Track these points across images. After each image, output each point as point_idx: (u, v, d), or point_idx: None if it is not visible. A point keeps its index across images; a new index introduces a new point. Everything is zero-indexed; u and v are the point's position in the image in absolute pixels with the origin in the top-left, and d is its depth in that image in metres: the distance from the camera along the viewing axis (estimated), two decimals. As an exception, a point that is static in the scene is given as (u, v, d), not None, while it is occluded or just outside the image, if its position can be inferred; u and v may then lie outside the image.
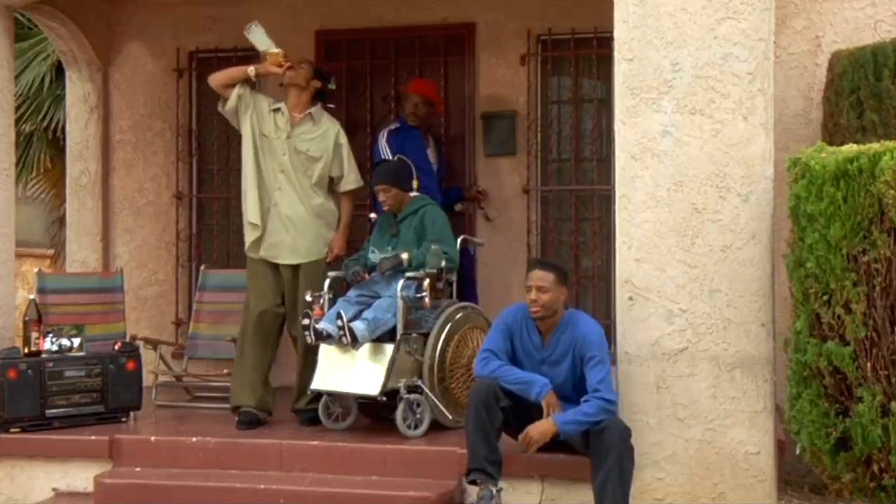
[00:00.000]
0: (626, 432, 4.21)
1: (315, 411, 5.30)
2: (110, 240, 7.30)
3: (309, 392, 5.24)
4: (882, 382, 3.75)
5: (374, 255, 5.44)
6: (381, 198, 5.46)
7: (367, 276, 5.29)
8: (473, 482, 4.37)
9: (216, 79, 5.52)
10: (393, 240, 5.46)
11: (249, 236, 5.43)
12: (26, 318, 5.38)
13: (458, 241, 5.56)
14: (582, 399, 4.28)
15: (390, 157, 5.99)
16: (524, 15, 6.67)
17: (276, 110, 5.45)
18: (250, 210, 5.39)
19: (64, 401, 5.29)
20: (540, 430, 4.26)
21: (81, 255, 7.26)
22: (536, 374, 4.39)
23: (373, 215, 5.75)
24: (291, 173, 5.37)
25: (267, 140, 5.39)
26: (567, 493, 4.52)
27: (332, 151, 5.48)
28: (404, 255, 5.17)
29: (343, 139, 5.54)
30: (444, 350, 5.12)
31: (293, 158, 5.37)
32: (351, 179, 5.55)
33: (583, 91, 6.73)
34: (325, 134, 5.47)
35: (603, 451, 4.14)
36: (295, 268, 5.38)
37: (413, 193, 5.57)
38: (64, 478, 5.06)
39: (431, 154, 6.33)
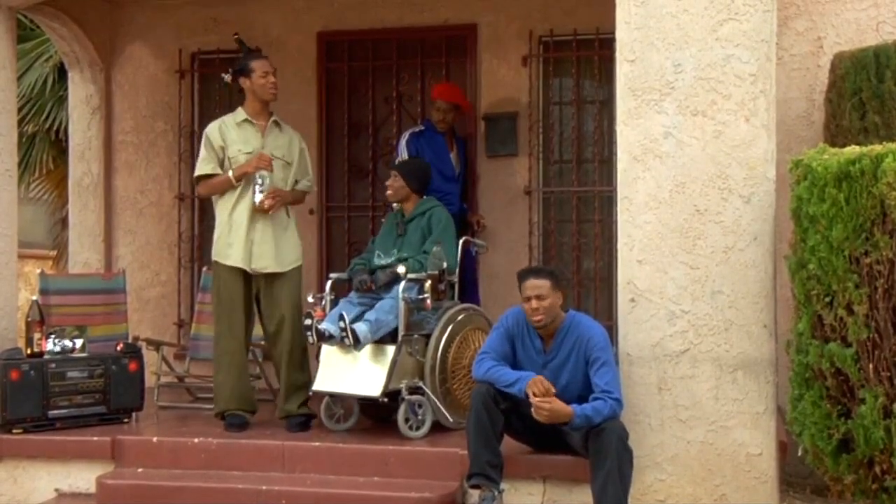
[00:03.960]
0: (624, 434, 4.20)
1: (305, 417, 5.29)
2: (112, 241, 7.31)
3: (310, 393, 5.23)
4: (884, 384, 3.75)
5: (380, 259, 5.45)
6: (387, 182, 5.57)
7: (373, 285, 5.29)
8: (475, 486, 4.37)
9: (203, 195, 5.60)
10: (399, 240, 5.48)
11: (227, 250, 5.33)
12: (29, 319, 5.39)
13: (461, 242, 5.58)
14: (592, 397, 4.27)
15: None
16: (526, 16, 6.68)
17: (245, 121, 5.38)
18: (237, 228, 5.31)
19: (66, 402, 5.30)
20: (562, 410, 4.19)
21: (84, 256, 7.28)
22: (523, 372, 4.38)
23: (396, 204, 5.72)
24: (269, 182, 5.30)
25: (245, 157, 5.31)
26: (569, 494, 4.52)
27: (298, 157, 5.47)
28: (401, 269, 5.17)
29: (304, 144, 5.55)
30: (445, 351, 5.12)
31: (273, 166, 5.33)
32: (311, 182, 5.57)
33: (584, 92, 6.73)
34: (291, 140, 5.46)
35: (602, 452, 4.13)
36: (271, 276, 5.32)
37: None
38: (66, 478, 5.07)
39: (454, 157, 6.35)
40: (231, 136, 5.36)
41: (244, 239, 5.29)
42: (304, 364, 5.31)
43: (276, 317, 5.31)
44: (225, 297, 5.35)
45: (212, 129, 5.42)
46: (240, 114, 5.43)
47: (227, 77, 5.49)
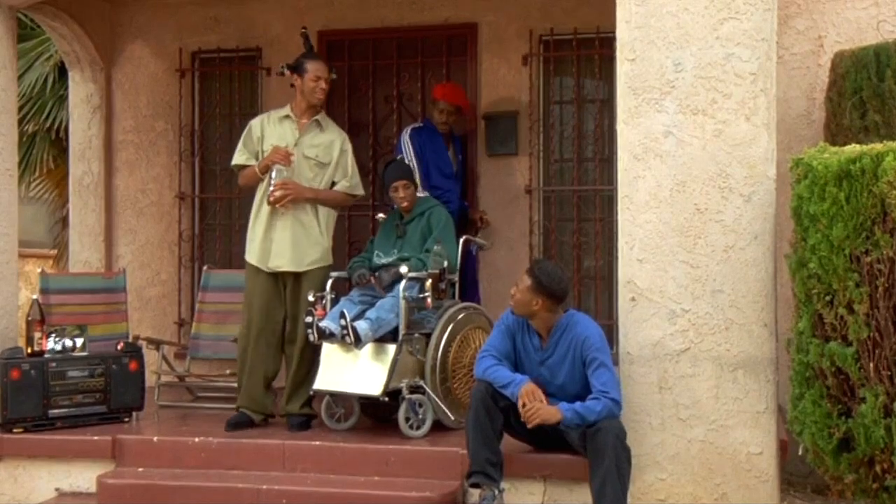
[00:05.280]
0: (621, 433, 4.20)
1: (306, 417, 5.29)
2: (113, 240, 7.31)
3: (311, 392, 5.23)
4: (885, 383, 3.74)
5: (380, 259, 5.44)
6: (400, 194, 5.47)
7: (372, 279, 5.29)
8: (475, 485, 4.37)
9: (241, 185, 5.63)
10: (398, 241, 5.47)
11: (249, 246, 5.39)
12: (29, 319, 5.39)
13: (461, 241, 5.57)
14: (589, 397, 4.26)
15: (412, 157, 6.02)
16: (526, 15, 6.68)
17: (286, 118, 5.42)
18: (258, 226, 5.35)
19: (67, 401, 5.30)
20: (548, 410, 4.22)
21: (84, 255, 7.28)
22: (519, 374, 4.38)
23: (381, 215, 5.74)
24: (301, 181, 5.31)
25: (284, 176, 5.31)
26: (569, 493, 4.52)
27: (338, 158, 5.43)
28: (403, 269, 5.15)
29: (348, 146, 5.50)
30: (446, 350, 5.12)
31: (301, 165, 5.32)
32: (353, 184, 5.49)
33: (585, 91, 6.73)
34: (332, 141, 5.44)
35: (599, 452, 4.13)
36: (297, 275, 5.32)
37: (420, 195, 5.61)
38: (67, 478, 5.07)
39: (451, 155, 6.35)
40: (269, 131, 5.40)
41: (262, 237, 5.32)
42: (312, 366, 5.26)
43: (292, 316, 5.31)
44: (247, 294, 5.40)
45: (255, 121, 5.50)
46: (285, 109, 5.47)
47: (285, 71, 5.50)
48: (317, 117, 5.44)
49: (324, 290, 5.25)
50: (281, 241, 5.30)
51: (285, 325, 5.38)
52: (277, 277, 5.34)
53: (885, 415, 3.74)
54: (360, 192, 5.60)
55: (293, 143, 5.36)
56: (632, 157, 4.46)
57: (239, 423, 5.24)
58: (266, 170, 5.30)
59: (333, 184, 5.45)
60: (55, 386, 5.27)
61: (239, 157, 5.46)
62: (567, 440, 4.41)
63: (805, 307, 3.96)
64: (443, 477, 4.65)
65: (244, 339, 5.36)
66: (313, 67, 5.38)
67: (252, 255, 5.36)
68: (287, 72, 5.47)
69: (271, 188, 5.25)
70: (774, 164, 4.35)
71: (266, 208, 5.32)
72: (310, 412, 5.32)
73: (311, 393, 5.22)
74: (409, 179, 5.53)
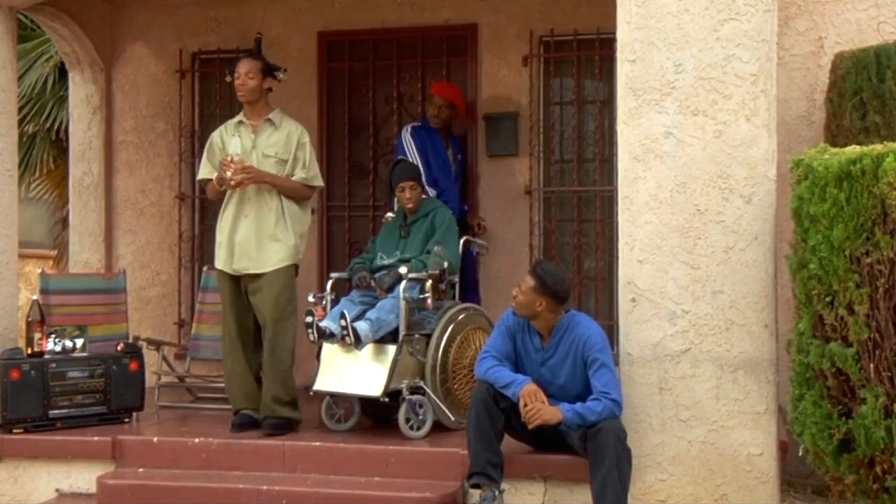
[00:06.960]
0: (622, 434, 4.20)
1: (286, 420, 5.18)
2: (113, 240, 7.32)
3: (311, 393, 5.21)
4: (885, 384, 3.75)
5: (382, 260, 5.44)
6: (407, 195, 5.47)
7: (372, 282, 5.29)
8: (476, 486, 4.37)
9: (209, 198, 5.70)
10: (402, 242, 5.47)
11: (217, 251, 5.36)
12: (29, 319, 5.39)
13: (462, 241, 5.57)
14: (590, 398, 4.27)
15: (415, 153, 6.02)
16: (526, 16, 6.68)
17: (240, 123, 5.40)
18: (223, 230, 5.34)
19: (67, 401, 5.30)
20: (549, 411, 4.23)
21: (84, 255, 7.28)
22: (520, 375, 4.38)
23: (389, 214, 5.74)
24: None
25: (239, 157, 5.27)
26: (569, 493, 4.52)
27: (295, 151, 5.36)
28: (402, 270, 5.14)
29: (306, 139, 5.42)
30: (446, 351, 5.12)
31: (263, 166, 5.26)
32: (310, 176, 5.37)
33: (585, 92, 6.73)
34: (288, 136, 5.37)
35: (600, 452, 4.13)
36: (255, 278, 5.22)
37: (425, 195, 5.62)
38: (67, 478, 5.07)
39: (452, 157, 6.36)
40: (227, 139, 5.39)
41: (227, 240, 5.30)
42: (289, 369, 5.19)
43: (261, 320, 5.25)
44: (222, 298, 5.40)
45: (214, 133, 5.50)
46: (240, 116, 5.47)
47: (228, 78, 5.52)
48: (269, 116, 5.39)
49: (288, 289, 5.18)
50: (244, 243, 5.25)
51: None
52: (239, 281, 5.31)
53: (886, 416, 3.74)
54: (319, 183, 5.47)
55: (251, 146, 5.32)
56: (632, 157, 4.46)
57: (244, 424, 5.23)
58: (222, 182, 5.25)
59: (291, 177, 5.40)
60: (55, 386, 5.26)
61: (203, 171, 5.47)
62: (567, 441, 4.40)
63: (805, 308, 3.96)
64: (443, 477, 4.65)
65: (226, 344, 5.36)
66: (237, 67, 5.36)
67: (219, 260, 5.34)
68: (229, 79, 5.49)
69: (229, 174, 5.13)
70: (775, 165, 4.35)
71: (228, 213, 5.30)
72: (290, 416, 5.20)
73: (312, 393, 5.19)
74: (417, 181, 5.53)
